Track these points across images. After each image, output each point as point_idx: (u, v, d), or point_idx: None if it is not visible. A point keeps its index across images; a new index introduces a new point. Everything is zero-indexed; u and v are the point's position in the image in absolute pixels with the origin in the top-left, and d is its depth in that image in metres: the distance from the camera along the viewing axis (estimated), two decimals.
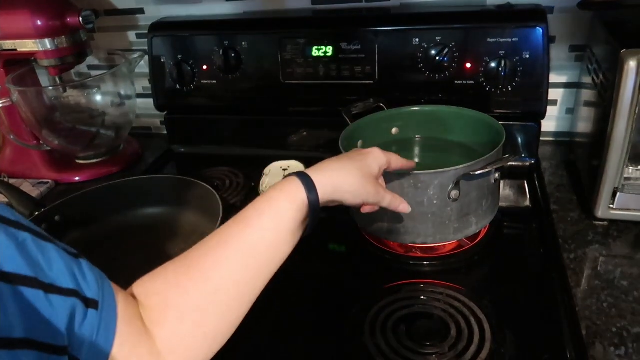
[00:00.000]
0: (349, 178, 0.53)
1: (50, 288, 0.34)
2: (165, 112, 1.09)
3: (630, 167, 0.67)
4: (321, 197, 0.50)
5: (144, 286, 0.44)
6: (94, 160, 1.05)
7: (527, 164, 0.90)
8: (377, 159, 0.57)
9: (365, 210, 0.59)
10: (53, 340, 0.33)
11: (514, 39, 0.82)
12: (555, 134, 0.97)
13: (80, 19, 0.90)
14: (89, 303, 0.37)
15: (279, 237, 0.47)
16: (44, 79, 1.05)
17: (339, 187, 0.52)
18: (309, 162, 0.95)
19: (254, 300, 0.47)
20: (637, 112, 0.63)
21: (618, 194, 0.69)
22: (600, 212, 0.70)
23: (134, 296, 0.43)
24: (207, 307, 0.43)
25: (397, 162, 0.60)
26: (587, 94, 0.83)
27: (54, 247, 0.37)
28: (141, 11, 1.07)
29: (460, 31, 0.85)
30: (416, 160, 0.84)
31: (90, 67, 1.18)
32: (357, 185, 0.53)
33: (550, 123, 0.96)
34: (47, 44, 0.89)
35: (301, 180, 0.49)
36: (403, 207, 0.59)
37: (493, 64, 0.83)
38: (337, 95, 0.94)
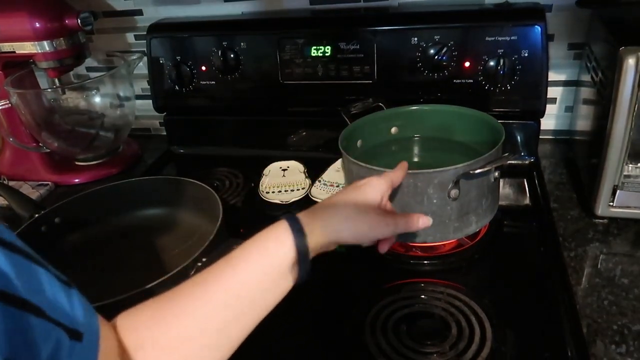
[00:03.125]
0: (341, 216, 0.51)
1: (39, 313, 0.33)
2: (165, 113, 1.09)
3: (630, 165, 0.67)
4: (312, 241, 0.47)
5: (124, 321, 0.43)
6: (94, 162, 1.05)
7: (527, 162, 0.90)
8: (374, 187, 0.55)
9: (382, 248, 0.56)
10: None
11: (512, 38, 0.82)
12: (555, 132, 0.97)
13: (79, 20, 0.90)
14: (73, 335, 0.35)
15: (264, 282, 0.45)
16: (42, 81, 1.05)
17: (331, 228, 0.50)
18: (308, 162, 0.95)
19: (236, 345, 0.44)
20: (636, 109, 0.63)
21: (618, 191, 0.69)
22: (600, 210, 0.70)
23: (116, 329, 0.42)
24: (181, 350, 0.41)
25: (398, 176, 0.59)
26: (586, 92, 0.83)
27: (46, 272, 0.35)
28: (139, 12, 1.07)
29: (458, 30, 0.85)
30: (415, 159, 0.84)
31: (89, 69, 1.18)
32: (352, 222, 0.51)
33: (550, 121, 0.96)
34: (46, 46, 0.89)
35: (289, 223, 0.47)
36: (423, 222, 0.55)
37: (492, 63, 0.83)
38: (336, 95, 0.94)
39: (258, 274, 0.45)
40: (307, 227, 0.47)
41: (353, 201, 0.52)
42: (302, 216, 0.49)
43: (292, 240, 0.46)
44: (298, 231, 0.47)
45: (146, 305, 0.44)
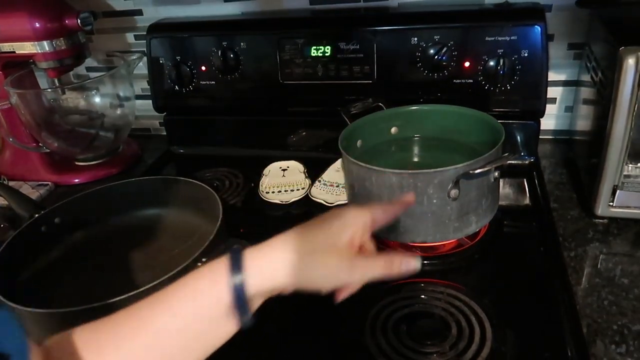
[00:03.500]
0: (293, 256, 0.42)
1: None
2: (164, 113, 1.09)
3: (630, 165, 0.67)
4: (255, 282, 0.40)
5: (52, 347, 0.40)
6: (94, 162, 1.05)
7: (527, 162, 0.90)
8: (346, 223, 0.45)
9: (338, 297, 0.47)
10: None
11: (512, 38, 0.82)
12: (555, 132, 0.97)
13: (79, 20, 0.90)
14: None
15: (196, 325, 0.40)
16: (42, 81, 1.05)
17: (280, 269, 0.41)
18: (308, 162, 0.95)
19: None
20: (636, 109, 0.63)
21: (617, 191, 0.68)
22: (600, 210, 0.70)
23: (48, 355, 0.39)
24: None
25: (385, 213, 0.49)
26: (586, 92, 0.83)
27: None
28: (139, 12, 1.07)
29: (458, 30, 0.85)
30: (415, 159, 0.84)
31: (88, 69, 1.18)
32: (309, 265, 0.42)
33: (550, 121, 0.96)
34: (46, 46, 0.89)
35: (230, 259, 0.41)
36: (407, 266, 0.45)
37: (492, 63, 0.83)
38: (335, 95, 0.94)
39: (188, 315, 0.40)
40: (252, 265, 0.41)
41: (312, 238, 0.43)
42: (252, 251, 0.42)
43: (228, 279, 0.40)
44: (236, 269, 0.40)
45: (78, 334, 0.41)
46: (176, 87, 1.02)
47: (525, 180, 0.88)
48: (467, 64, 0.86)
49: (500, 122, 0.72)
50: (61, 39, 0.90)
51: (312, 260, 0.42)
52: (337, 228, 0.44)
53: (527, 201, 0.84)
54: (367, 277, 0.45)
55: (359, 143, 0.80)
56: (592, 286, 0.61)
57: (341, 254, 0.43)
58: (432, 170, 0.63)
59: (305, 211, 0.85)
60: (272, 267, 0.42)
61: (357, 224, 0.45)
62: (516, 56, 0.83)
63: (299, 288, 0.43)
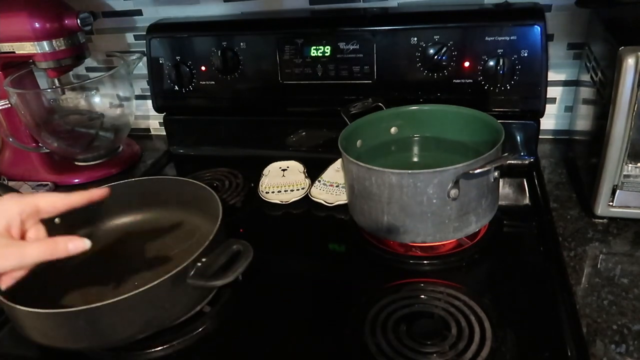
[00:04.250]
0: None
1: None
2: (164, 114, 1.09)
3: (630, 165, 0.67)
4: None
5: None
6: (93, 162, 1.05)
7: (526, 162, 0.90)
8: (1, 211, 0.47)
9: (2, 284, 0.48)
10: None
11: (512, 37, 0.82)
12: (554, 132, 0.97)
13: (78, 21, 0.90)
14: None
15: None
16: (42, 81, 1.05)
17: None
18: (308, 162, 0.95)
19: None
20: (635, 109, 0.63)
21: (617, 191, 0.69)
22: (600, 210, 0.70)
23: None
24: None
25: (51, 201, 0.51)
26: (585, 92, 0.83)
27: None
28: (139, 13, 1.07)
29: (458, 30, 0.85)
30: (415, 159, 0.84)
31: (88, 69, 1.18)
32: None
33: (549, 121, 0.96)
34: (45, 46, 0.89)
35: None
36: (75, 245, 0.48)
37: (491, 63, 0.84)
38: (335, 95, 0.94)
39: None
40: None
41: None
42: None
43: None
44: None
45: None
46: (176, 87, 1.02)
47: (525, 180, 0.88)
48: (466, 63, 0.86)
49: (500, 122, 0.72)
50: (61, 39, 0.90)
51: None
52: None
53: (527, 201, 0.84)
54: (27, 261, 0.46)
55: (358, 143, 0.81)
56: (592, 286, 0.61)
57: None
58: (432, 170, 0.63)
59: (305, 211, 0.86)
60: None
61: (12, 212, 0.48)
62: (516, 56, 0.83)
63: None
